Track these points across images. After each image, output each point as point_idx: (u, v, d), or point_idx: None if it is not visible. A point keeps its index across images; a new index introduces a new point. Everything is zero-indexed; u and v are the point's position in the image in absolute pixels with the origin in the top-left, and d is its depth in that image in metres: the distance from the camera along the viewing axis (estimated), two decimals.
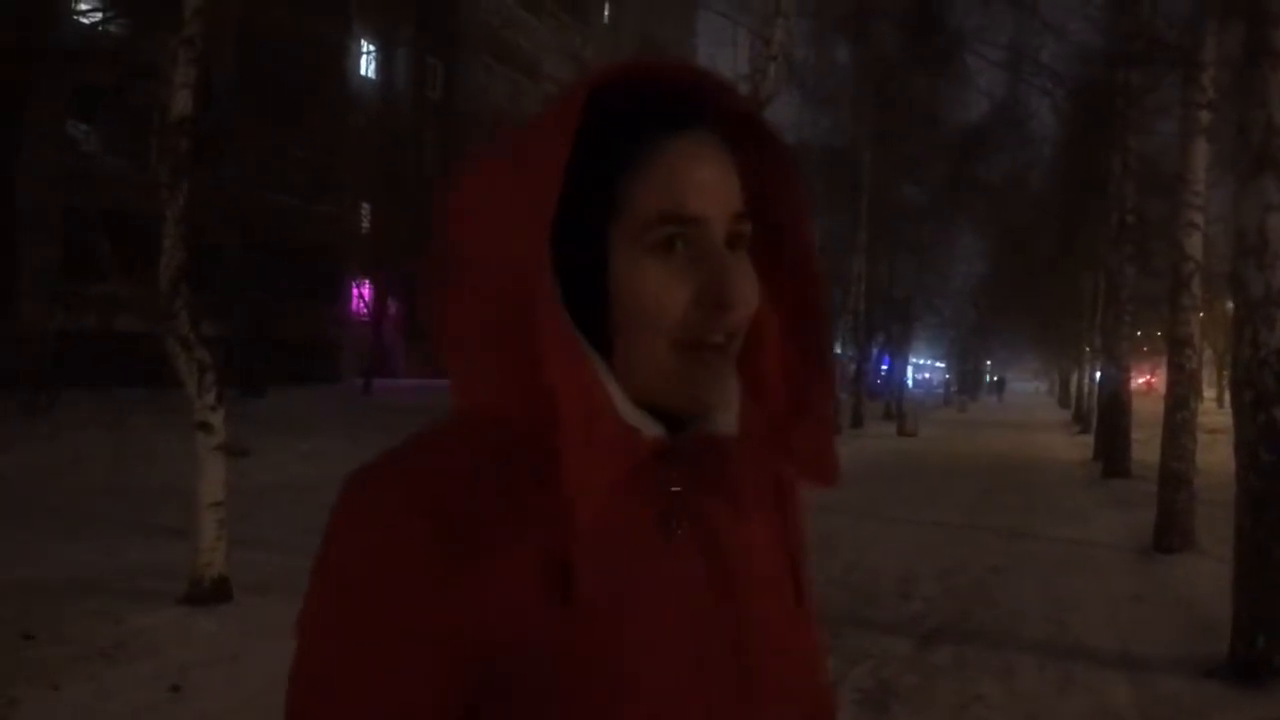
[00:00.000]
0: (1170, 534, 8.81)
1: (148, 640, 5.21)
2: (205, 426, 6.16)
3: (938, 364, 71.78)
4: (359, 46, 35.08)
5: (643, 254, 0.74)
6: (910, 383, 37.95)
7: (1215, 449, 11.07)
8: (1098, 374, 29.33)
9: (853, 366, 30.23)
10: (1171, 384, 9.15)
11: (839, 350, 28.39)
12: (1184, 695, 4.89)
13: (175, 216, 6.22)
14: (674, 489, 0.77)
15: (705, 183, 0.74)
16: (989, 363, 70.51)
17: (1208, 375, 57.99)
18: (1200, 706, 4.76)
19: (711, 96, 0.77)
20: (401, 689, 0.71)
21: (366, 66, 38.22)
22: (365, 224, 36.87)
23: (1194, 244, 8.97)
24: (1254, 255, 5.09)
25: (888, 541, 9.03)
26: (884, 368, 37.11)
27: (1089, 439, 23.82)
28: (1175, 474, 8.88)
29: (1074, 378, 44.78)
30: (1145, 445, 15.96)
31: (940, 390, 57.99)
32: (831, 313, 0.89)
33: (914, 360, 60.84)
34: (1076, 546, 9.17)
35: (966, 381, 58.62)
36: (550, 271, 0.73)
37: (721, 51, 23.00)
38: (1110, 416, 16.22)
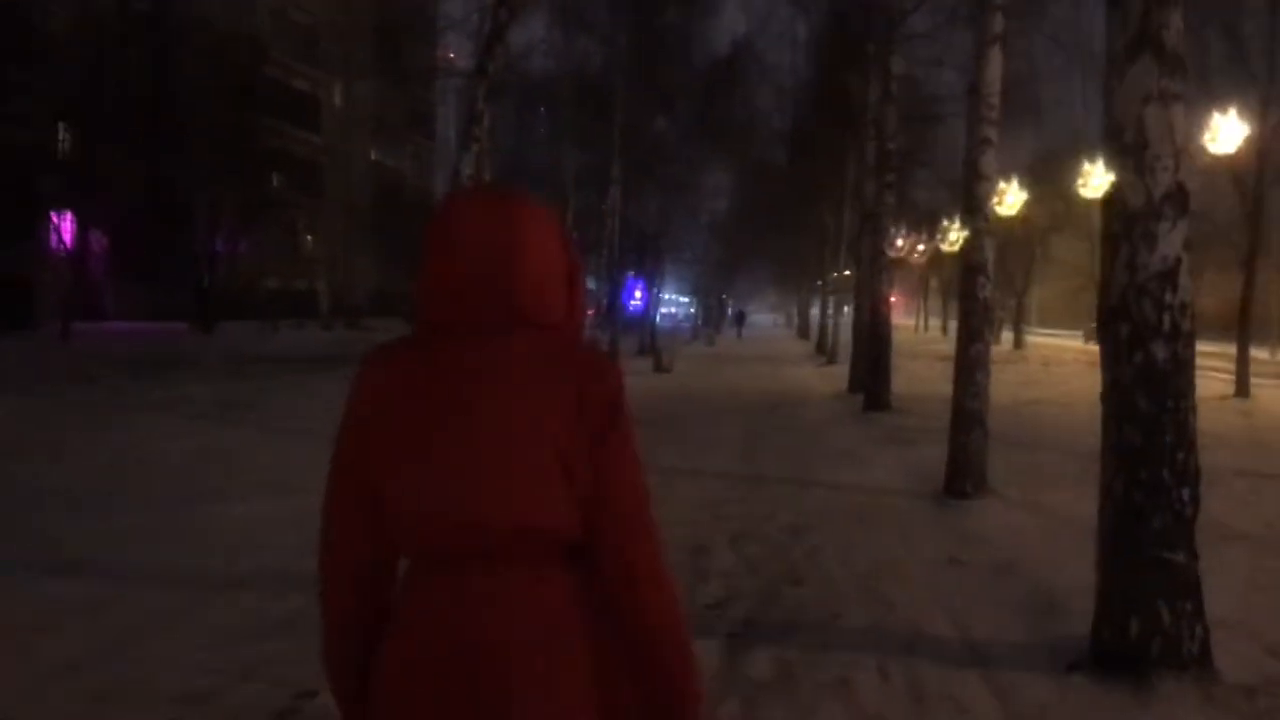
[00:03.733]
0: (964, 478, 8.12)
1: None
2: None
3: (683, 299, 72.62)
4: None
5: None
6: (659, 318, 37.63)
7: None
8: (845, 308, 29.87)
9: (604, 301, 29.35)
10: (964, 315, 8.43)
11: (592, 285, 27.51)
12: (1056, 703, 3.95)
13: None
14: None
15: None
16: (729, 298, 71.83)
17: (935, 305, 61.09)
18: (1081, 717, 3.83)
19: None
20: None
21: None
22: (64, 148, 32.74)
23: (989, 161, 8.21)
24: (1132, 156, 4.13)
25: (668, 499, 7.65)
26: (638, 293, 36.47)
27: (836, 369, 23.96)
28: (970, 412, 8.15)
29: (814, 310, 45.97)
30: (898, 376, 15.79)
31: (688, 324, 58.45)
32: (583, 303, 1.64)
33: (663, 295, 61.14)
34: (866, 494, 8.39)
35: (712, 316, 59.26)
36: None
37: None
38: (870, 349, 15.87)
